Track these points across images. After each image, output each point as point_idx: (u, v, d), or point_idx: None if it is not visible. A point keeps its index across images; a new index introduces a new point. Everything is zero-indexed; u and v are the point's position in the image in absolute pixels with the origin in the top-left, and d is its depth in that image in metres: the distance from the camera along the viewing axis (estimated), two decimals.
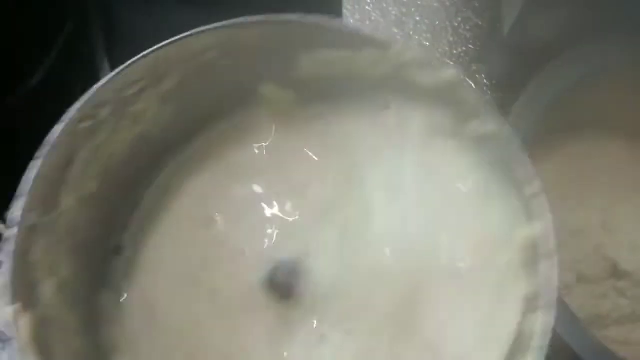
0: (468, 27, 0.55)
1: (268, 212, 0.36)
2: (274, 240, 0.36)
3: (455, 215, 0.34)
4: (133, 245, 0.36)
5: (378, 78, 0.34)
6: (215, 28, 0.32)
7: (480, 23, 0.55)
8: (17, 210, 0.27)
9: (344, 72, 0.34)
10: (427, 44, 0.54)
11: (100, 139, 0.32)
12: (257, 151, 0.38)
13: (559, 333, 0.34)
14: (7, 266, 0.26)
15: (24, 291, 0.27)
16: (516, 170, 0.31)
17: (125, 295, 0.34)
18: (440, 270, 0.33)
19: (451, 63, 0.34)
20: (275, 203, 0.36)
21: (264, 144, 0.38)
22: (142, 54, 0.31)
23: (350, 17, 0.54)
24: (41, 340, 0.27)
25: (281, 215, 0.36)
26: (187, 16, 0.51)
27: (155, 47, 0.31)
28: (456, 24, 0.55)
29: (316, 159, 0.37)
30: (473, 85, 0.32)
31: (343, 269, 0.34)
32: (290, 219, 0.36)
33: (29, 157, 0.45)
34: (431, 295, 0.33)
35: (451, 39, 0.54)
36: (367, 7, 0.55)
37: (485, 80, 0.53)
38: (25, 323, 0.26)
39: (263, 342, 0.33)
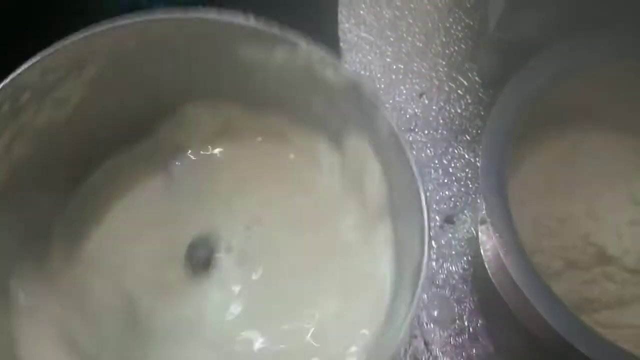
0: (459, 27, 0.56)
1: None
2: None
3: None
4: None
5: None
6: (134, 21, 0.33)
7: (471, 23, 0.57)
8: None
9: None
10: (420, 44, 0.56)
11: (23, 121, 0.33)
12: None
13: (545, 319, 0.36)
14: None
15: None
16: None
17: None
18: None
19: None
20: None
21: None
22: (61, 41, 0.32)
23: (346, 21, 0.56)
24: None
25: None
26: None
27: (75, 35, 0.32)
28: (448, 25, 0.57)
29: None
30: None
31: None
32: None
33: None
34: None
35: (443, 39, 0.56)
36: (361, 11, 0.57)
37: (477, 78, 0.54)
38: None
39: None
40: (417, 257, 0.31)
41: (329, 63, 0.34)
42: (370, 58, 0.55)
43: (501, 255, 0.37)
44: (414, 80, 0.54)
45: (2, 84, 0.31)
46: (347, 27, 0.56)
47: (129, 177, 0.41)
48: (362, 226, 0.39)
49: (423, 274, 0.30)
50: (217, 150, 0.42)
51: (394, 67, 0.55)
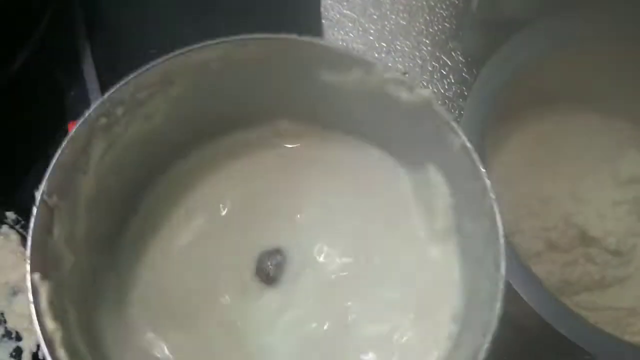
0: (444, 6, 0.55)
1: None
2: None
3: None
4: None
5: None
6: (217, 43, 0.35)
7: (455, 1, 0.55)
8: (38, 192, 0.32)
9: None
10: (404, 23, 0.55)
11: (115, 134, 0.36)
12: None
13: (526, 300, 0.35)
14: (28, 240, 0.31)
15: (42, 263, 0.31)
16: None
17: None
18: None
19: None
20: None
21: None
22: (153, 62, 0.34)
23: None
24: (56, 305, 0.31)
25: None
26: (166, 9, 0.52)
27: (166, 56, 0.34)
28: (432, 3, 0.55)
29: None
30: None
31: None
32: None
33: (9, 142, 0.46)
34: None
35: (427, 17, 0.55)
36: None
37: (461, 58, 0.53)
38: (43, 290, 0.31)
39: None
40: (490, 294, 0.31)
41: (401, 82, 0.35)
42: (352, 36, 0.54)
43: None
44: (397, 59, 0.53)
45: (101, 99, 0.34)
46: (330, 3, 0.55)
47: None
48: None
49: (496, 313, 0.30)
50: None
51: (377, 45, 0.54)
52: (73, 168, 0.34)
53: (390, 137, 0.39)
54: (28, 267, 0.30)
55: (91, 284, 0.36)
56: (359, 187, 0.40)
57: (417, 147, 0.37)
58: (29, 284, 0.30)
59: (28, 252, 0.31)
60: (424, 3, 0.56)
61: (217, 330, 0.37)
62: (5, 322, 0.45)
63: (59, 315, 0.31)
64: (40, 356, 0.44)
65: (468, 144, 0.33)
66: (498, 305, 0.30)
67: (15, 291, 0.46)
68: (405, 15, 0.55)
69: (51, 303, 0.31)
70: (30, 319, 0.40)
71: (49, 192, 0.32)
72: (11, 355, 0.45)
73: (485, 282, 0.32)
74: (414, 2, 0.55)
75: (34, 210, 0.31)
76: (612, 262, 0.42)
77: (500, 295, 0.30)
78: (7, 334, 0.45)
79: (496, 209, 0.31)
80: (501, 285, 0.30)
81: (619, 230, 0.42)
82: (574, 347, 0.34)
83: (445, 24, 0.55)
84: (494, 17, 0.47)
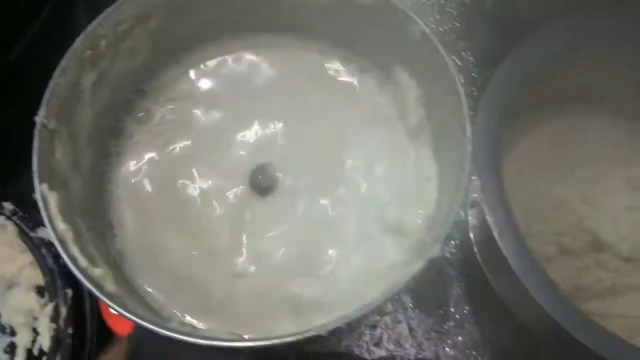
0: (454, 5, 0.54)
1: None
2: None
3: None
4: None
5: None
6: None
7: (466, 1, 0.55)
8: (38, 117, 0.36)
9: None
10: None
11: (103, 68, 0.40)
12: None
13: (540, 305, 0.34)
14: (34, 159, 0.35)
15: (50, 177, 0.35)
16: None
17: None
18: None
19: None
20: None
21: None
22: None
23: None
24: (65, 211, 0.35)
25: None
26: None
27: None
28: (442, 2, 0.55)
29: None
30: None
31: None
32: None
33: (7, 131, 0.45)
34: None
35: (437, 16, 0.54)
36: None
37: (471, 58, 0.52)
38: (52, 199, 0.34)
39: None
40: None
41: None
42: None
43: (495, 236, 0.35)
44: None
45: (84, 32, 0.38)
46: None
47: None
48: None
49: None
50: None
51: None
52: (69, 97, 0.38)
53: (354, 43, 0.43)
54: (36, 180, 0.34)
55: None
56: (330, 97, 0.43)
57: (382, 49, 0.42)
58: (38, 195, 0.34)
59: (35, 167, 0.35)
60: (434, 1, 0.55)
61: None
62: None
63: (69, 221, 0.35)
64: (35, 352, 0.43)
65: (427, 30, 0.38)
66: (467, 165, 0.34)
67: (11, 285, 0.44)
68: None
69: (61, 210, 0.34)
70: (26, 310, 0.40)
71: (47, 116, 0.36)
72: (5, 351, 0.43)
73: (454, 150, 0.36)
74: (423, 0, 0.55)
75: (36, 131, 0.36)
76: (625, 269, 0.41)
77: (468, 157, 0.34)
78: (1, 328, 0.44)
79: (458, 83, 0.36)
80: (469, 147, 0.34)
81: (632, 235, 0.41)
82: (590, 354, 0.33)
83: (455, 24, 0.54)
84: (506, 17, 0.47)
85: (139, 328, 0.36)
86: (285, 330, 0.32)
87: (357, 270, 0.38)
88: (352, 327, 0.44)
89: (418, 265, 0.32)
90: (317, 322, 0.31)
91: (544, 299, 0.34)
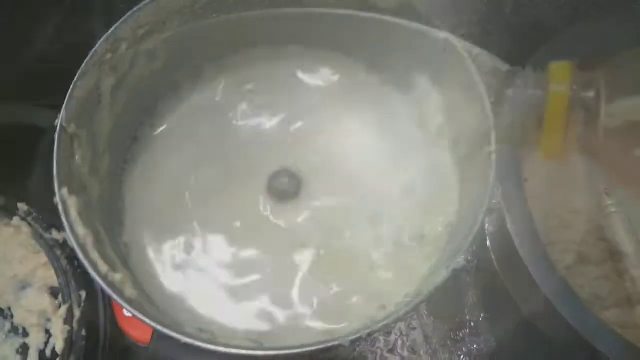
0: (471, 10, 0.54)
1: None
2: None
3: None
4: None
5: None
6: None
7: (479, 7, 0.54)
8: (57, 121, 0.36)
9: None
10: None
11: (123, 71, 0.40)
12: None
13: (562, 315, 0.34)
14: (54, 163, 0.35)
15: (69, 181, 0.36)
16: None
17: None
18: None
19: None
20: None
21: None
22: (145, 1, 0.39)
23: None
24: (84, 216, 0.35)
25: None
26: None
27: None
28: (460, 7, 0.54)
29: None
30: None
31: None
32: None
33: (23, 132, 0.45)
34: None
35: (455, 21, 0.54)
36: None
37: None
38: (71, 202, 0.35)
39: None
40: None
41: None
42: None
43: (516, 245, 0.35)
44: None
45: (105, 35, 0.38)
46: None
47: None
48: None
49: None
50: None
51: None
52: (89, 100, 0.38)
53: (375, 53, 0.44)
54: (56, 184, 0.35)
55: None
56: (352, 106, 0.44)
57: (402, 56, 0.42)
58: (58, 199, 0.34)
59: (55, 171, 0.35)
60: (450, 7, 0.54)
61: None
62: (12, 317, 0.44)
63: (88, 225, 0.35)
64: (47, 354, 0.43)
65: (450, 36, 0.39)
66: (491, 175, 0.35)
67: (24, 286, 0.44)
68: None
69: (80, 214, 0.35)
70: (39, 312, 0.40)
71: (67, 120, 0.36)
72: (17, 352, 0.43)
73: (477, 163, 0.36)
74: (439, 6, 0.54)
75: (55, 135, 0.36)
76: None
77: (493, 166, 0.35)
78: (14, 329, 0.44)
79: (482, 90, 0.37)
80: (493, 157, 0.35)
81: None
82: None
83: (471, 29, 0.53)
84: (525, 22, 0.46)
85: (157, 335, 0.36)
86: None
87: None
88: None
89: (442, 275, 0.32)
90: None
91: (565, 309, 0.33)
